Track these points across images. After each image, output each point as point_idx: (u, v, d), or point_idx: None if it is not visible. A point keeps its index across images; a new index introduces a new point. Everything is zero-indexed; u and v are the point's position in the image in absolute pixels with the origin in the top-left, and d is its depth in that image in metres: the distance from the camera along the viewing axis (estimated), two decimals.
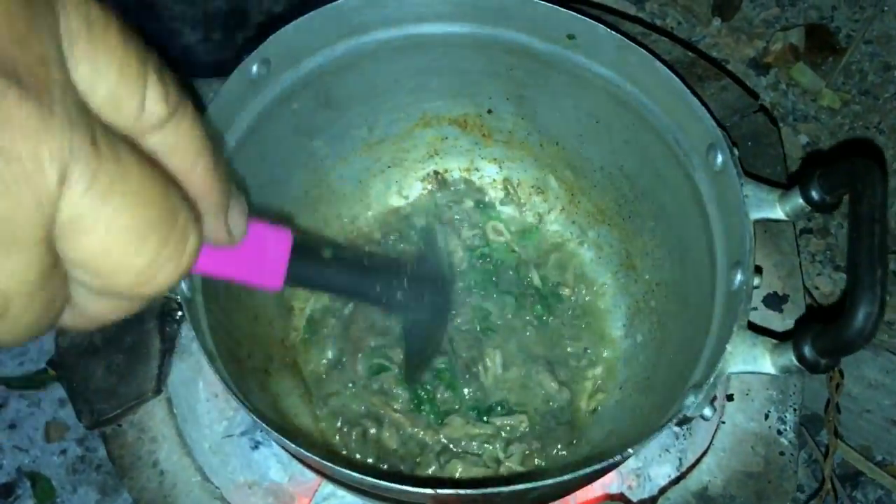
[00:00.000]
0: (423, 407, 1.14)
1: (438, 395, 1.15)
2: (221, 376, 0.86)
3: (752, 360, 0.85)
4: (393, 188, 1.29)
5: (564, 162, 1.23)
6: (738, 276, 0.90)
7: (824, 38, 1.62)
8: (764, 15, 1.67)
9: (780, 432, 1.04)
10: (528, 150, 1.25)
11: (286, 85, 1.07)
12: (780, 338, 0.87)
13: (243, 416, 1.17)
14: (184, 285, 0.90)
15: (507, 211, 1.29)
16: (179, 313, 1.07)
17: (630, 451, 0.82)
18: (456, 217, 1.26)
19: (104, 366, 1.03)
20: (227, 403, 1.19)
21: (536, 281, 1.22)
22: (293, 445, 0.85)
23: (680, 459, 1.06)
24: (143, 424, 1.06)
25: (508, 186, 1.28)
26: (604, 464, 0.83)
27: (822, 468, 1.34)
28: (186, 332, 1.12)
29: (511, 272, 1.23)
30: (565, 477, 0.83)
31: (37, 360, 1.67)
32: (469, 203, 1.27)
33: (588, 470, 0.83)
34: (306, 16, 1.01)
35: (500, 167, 1.29)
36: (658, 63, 1.00)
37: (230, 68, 0.98)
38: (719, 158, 0.96)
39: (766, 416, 1.05)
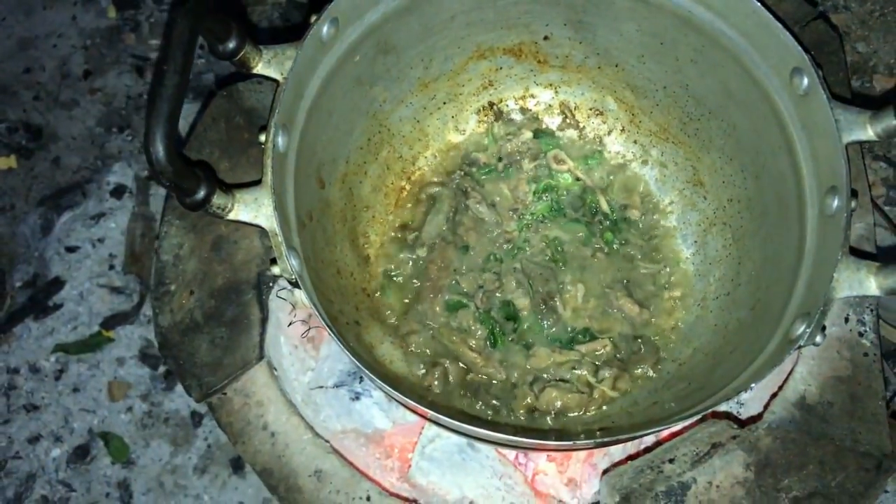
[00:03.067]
0: (505, 338, 1.17)
1: (520, 328, 1.18)
2: (335, 336, 0.88)
3: (857, 285, 0.88)
4: (449, 124, 1.27)
5: (624, 83, 1.22)
6: (836, 202, 0.92)
7: None
8: None
9: (861, 334, 1.09)
10: (586, 73, 1.24)
11: (351, 40, 1.04)
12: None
13: (330, 369, 1.20)
14: (294, 262, 0.91)
15: (567, 136, 1.28)
16: (272, 282, 1.08)
17: (752, 386, 0.86)
18: (517, 150, 1.25)
19: (208, 340, 1.04)
20: (307, 354, 1.21)
21: (604, 206, 1.24)
22: (402, 397, 0.89)
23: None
24: (247, 390, 1.08)
25: (566, 110, 1.28)
26: (717, 406, 0.88)
27: None
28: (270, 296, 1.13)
29: (578, 200, 1.24)
30: (685, 421, 0.87)
31: (89, 324, 1.67)
32: (527, 134, 1.27)
33: (705, 409, 0.88)
34: None
35: (556, 92, 1.27)
36: None
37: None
38: (805, 82, 0.96)
39: (847, 320, 1.10)
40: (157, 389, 1.64)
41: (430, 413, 0.90)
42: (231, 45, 0.92)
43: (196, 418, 1.62)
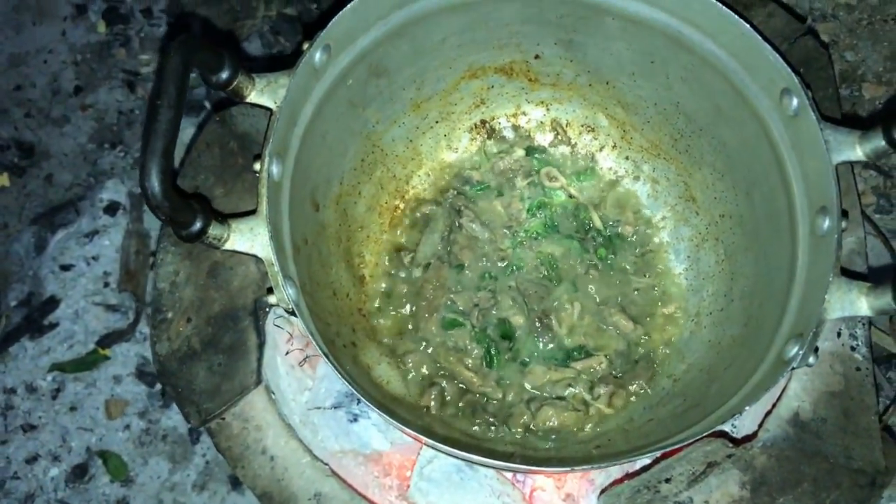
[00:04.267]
0: (501, 357, 1.18)
1: (516, 346, 1.19)
2: (334, 365, 0.89)
3: (849, 305, 0.89)
4: (442, 143, 1.28)
5: (615, 100, 1.23)
6: (826, 223, 0.93)
7: None
8: None
9: (853, 348, 1.10)
10: (577, 91, 1.25)
11: (344, 65, 1.05)
12: None
13: (328, 389, 1.20)
14: (291, 291, 0.91)
15: (559, 153, 1.29)
16: (268, 308, 1.08)
17: (746, 408, 0.87)
18: (509, 168, 1.26)
19: (206, 367, 1.05)
20: (304, 374, 1.22)
21: (597, 222, 1.25)
22: (399, 424, 0.90)
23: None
24: (245, 415, 1.09)
25: (557, 128, 1.28)
26: (714, 428, 0.89)
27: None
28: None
29: (571, 217, 1.25)
30: (681, 442, 0.89)
31: (85, 342, 1.67)
32: (520, 151, 1.28)
33: (703, 431, 0.89)
34: None
35: (548, 109, 1.28)
36: (724, 9, 0.99)
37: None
38: (794, 103, 0.97)
39: (839, 334, 1.11)
40: (155, 407, 1.64)
41: (418, 436, 0.92)
42: (224, 75, 0.92)
43: (194, 435, 1.62)
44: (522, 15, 1.12)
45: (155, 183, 0.80)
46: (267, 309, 1.08)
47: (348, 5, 0.98)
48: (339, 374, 0.90)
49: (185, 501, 1.58)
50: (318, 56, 0.98)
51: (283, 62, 1.00)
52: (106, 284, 1.71)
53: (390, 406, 1.06)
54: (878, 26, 1.56)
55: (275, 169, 0.94)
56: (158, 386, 1.65)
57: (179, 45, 0.85)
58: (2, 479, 1.58)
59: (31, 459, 1.60)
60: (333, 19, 0.97)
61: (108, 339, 1.66)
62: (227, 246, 0.90)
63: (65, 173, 1.83)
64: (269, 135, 0.94)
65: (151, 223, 1.76)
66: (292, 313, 0.91)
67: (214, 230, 0.88)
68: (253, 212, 0.93)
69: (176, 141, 0.83)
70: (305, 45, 0.98)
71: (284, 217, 0.98)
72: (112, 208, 1.77)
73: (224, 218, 0.91)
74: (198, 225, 0.87)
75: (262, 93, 0.96)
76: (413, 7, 1.05)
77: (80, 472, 1.59)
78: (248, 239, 0.91)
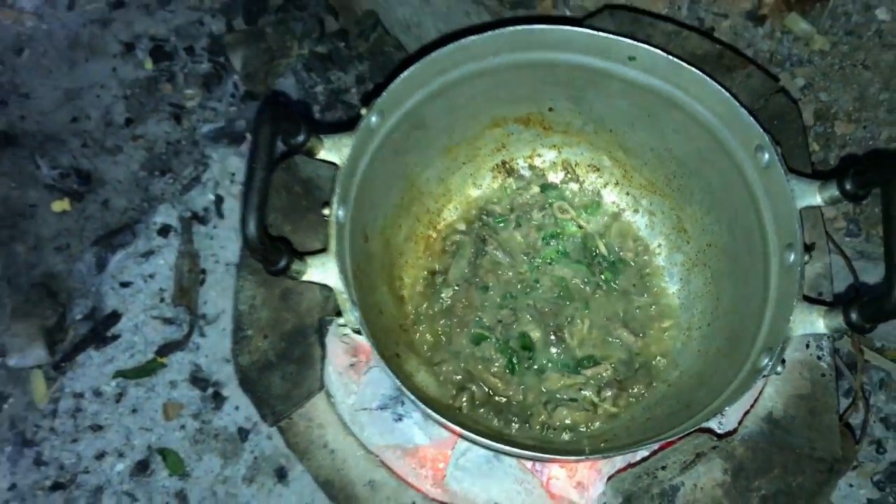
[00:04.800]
0: (521, 365, 1.38)
1: (534, 356, 1.39)
2: (391, 373, 1.10)
3: (810, 325, 1.10)
4: (469, 181, 1.49)
5: (617, 145, 1.44)
6: (792, 256, 1.14)
7: None
8: None
9: (819, 357, 1.31)
10: (584, 137, 1.46)
11: (391, 124, 1.25)
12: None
13: (373, 392, 1.40)
14: (357, 314, 1.12)
15: (569, 189, 1.50)
16: (328, 326, 1.29)
17: (727, 408, 1.09)
18: (527, 202, 1.47)
19: (280, 376, 1.25)
20: (350, 379, 1.42)
21: (602, 249, 1.46)
22: (441, 419, 1.10)
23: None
24: (310, 415, 1.29)
25: (568, 167, 1.49)
26: (700, 425, 1.10)
27: (853, 382, 1.67)
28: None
29: (580, 245, 1.46)
30: (674, 436, 1.10)
31: (144, 351, 1.87)
32: (535, 188, 1.48)
33: (692, 427, 1.10)
34: (412, 68, 1.19)
35: (560, 152, 1.49)
36: (710, 81, 1.20)
37: None
38: (766, 157, 1.18)
39: (807, 346, 1.32)
40: (207, 409, 1.85)
41: (463, 432, 1.12)
42: (300, 138, 1.13)
43: (242, 434, 1.83)
44: (539, 78, 1.33)
45: (253, 231, 1.01)
46: (327, 327, 1.29)
47: (400, 76, 1.18)
48: (395, 380, 1.10)
49: (236, 493, 1.79)
50: (373, 120, 1.19)
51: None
52: (161, 300, 1.91)
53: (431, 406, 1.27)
54: (848, 71, 1.76)
55: (340, 213, 1.15)
56: (210, 390, 1.86)
57: (268, 118, 1.06)
58: (74, 474, 1.78)
59: (99, 456, 1.80)
60: (388, 89, 1.18)
61: (164, 349, 1.87)
62: (305, 278, 1.11)
63: (120, 198, 2.04)
64: (336, 187, 1.14)
65: (201, 244, 1.96)
66: (357, 332, 1.11)
67: (295, 266, 1.09)
68: (323, 250, 1.14)
69: (268, 195, 1.04)
70: (363, 111, 1.19)
71: (346, 251, 1.18)
72: (164, 230, 1.98)
73: (302, 256, 1.11)
74: (283, 263, 1.07)
75: (329, 151, 1.16)
76: (452, 73, 1.26)
77: (142, 467, 1.80)
78: (321, 272, 1.12)
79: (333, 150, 1.16)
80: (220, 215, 2.00)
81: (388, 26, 2.11)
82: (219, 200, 2.01)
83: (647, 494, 1.21)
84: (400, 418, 1.37)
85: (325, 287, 1.14)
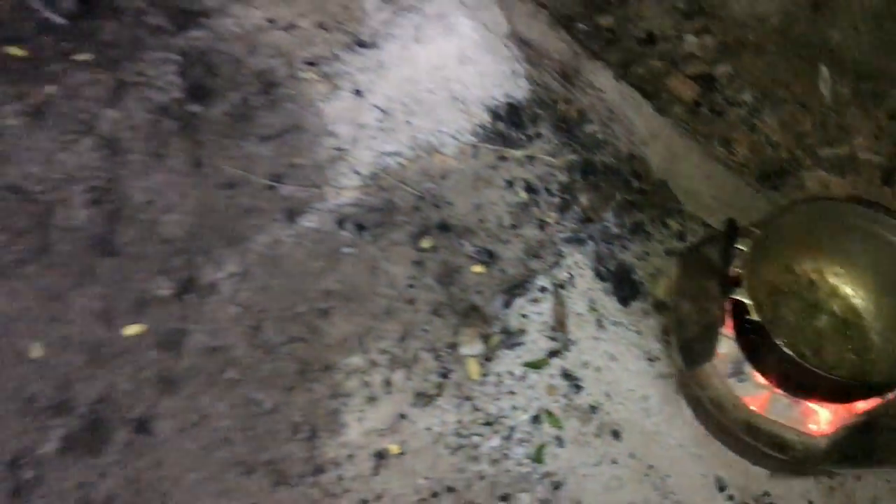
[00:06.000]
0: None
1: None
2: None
3: None
4: None
5: None
6: None
7: None
8: None
9: None
10: None
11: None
12: None
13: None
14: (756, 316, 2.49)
15: None
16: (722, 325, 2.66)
17: None
18: None
19: (700, 349, 2.61)
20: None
21: None
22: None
23: None
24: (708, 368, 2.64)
25: None
26: None
27: None
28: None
29: None
30: None
31: (537, 353, 3.21)
32: None
33: None
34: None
35: None
36: None
37: None
38: None
39: None
40: (570, 393, 3.14)
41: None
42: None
43: (592, 409, 3.12)
44: None
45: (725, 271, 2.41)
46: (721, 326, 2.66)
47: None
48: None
49: (587, 441, 3.08)
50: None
51: None
52: (547, 325, 3.28)
53: None
54: None
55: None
56: (573, 382, 3.17)
57: (729, 234, 2.47)
58: (497, 417, 3.07)
59: (512, 409, 3.09)
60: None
61: (550, 354, 3.21)
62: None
63: (511, 269, 3.44)
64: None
65: (566, 296, 3.35)
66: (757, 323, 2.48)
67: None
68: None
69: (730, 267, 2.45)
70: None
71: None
72: (542, 289, 3.36)
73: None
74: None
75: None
76: None
77: (535, 419, 3.08)
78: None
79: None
80: (573, 286, 3.39)
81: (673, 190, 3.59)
82: (571, 277, 3.41)
83: None
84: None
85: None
